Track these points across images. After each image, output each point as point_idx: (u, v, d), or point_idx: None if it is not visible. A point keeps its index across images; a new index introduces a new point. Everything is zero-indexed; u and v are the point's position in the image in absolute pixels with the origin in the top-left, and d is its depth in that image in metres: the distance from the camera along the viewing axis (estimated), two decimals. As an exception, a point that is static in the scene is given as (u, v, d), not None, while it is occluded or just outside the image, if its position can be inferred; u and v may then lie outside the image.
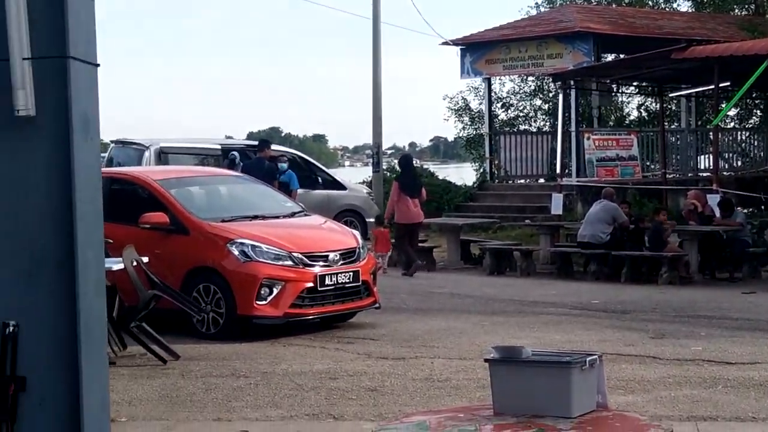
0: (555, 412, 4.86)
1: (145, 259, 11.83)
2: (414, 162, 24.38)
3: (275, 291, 12.50)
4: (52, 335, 3.80)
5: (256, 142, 23.64)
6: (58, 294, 3.81)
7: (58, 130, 3.84)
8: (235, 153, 22.35)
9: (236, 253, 12.64)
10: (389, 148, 37.47)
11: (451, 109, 35.29)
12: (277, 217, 14.02)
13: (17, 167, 3.84)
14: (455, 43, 29.74)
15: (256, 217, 13.74)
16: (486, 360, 5.12)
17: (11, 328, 3.77)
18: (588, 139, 25.25)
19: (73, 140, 3.83)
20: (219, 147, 24.00)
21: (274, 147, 24.28)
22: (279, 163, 20.66)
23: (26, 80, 3.79)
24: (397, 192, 19.45)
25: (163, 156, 22.62)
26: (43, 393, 3.78)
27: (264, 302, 12.47)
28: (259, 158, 20.54)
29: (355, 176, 35.02)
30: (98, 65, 4.08)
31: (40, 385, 3.78)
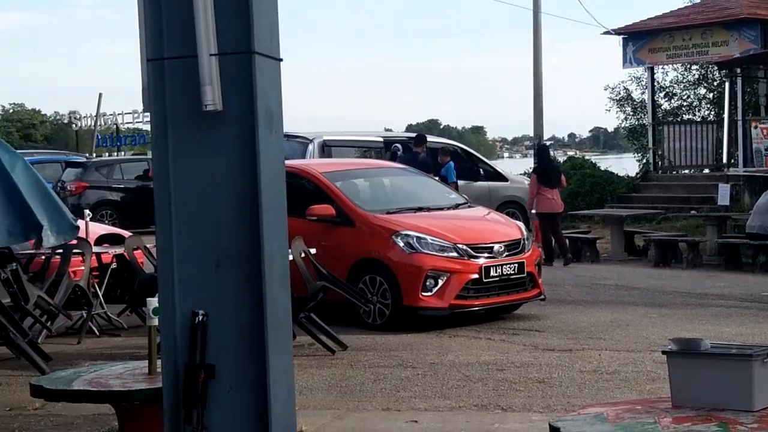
0: (736, 405, 4.79)
1: (313, 251, 12.00)
2: (551, 152, 24.27)
3: (440, 282, 12.55)
4: (240, 325, 3.89)
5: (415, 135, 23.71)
6: (244, 285, 3.90)
7: (244, 124, 3.93)
8: (398, 145, 22.46)
9: (401, 244, 12.72)
10: (548, 139, 37.16)
11: (613, 99, 34.81)
12: (442, 209, 14.07)
13: (205, 161, 3.95)
14: (617, 32, 29.31)
15: (420, 209, 13.81)
16: (664, 352, 5.06)
17: (200, 318, 3.88)
18: (755, 128, 24.63)
19: (259, 134, 3.92)
20: (381, 139, 24.17)
21: (434, 139, 24.36)
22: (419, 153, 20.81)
23: (213, 76, 3.89)
24: (536, 183, 19.52)
25: (326, 149, 22.88)
26: (231, 381, 3.88)
27: (429, 294, 12.53)
28: (414, 152, 20.69)
29: (514, 168, 34.87)
30: (281, 60, 4.17)
31: (228, 372, 3.88)
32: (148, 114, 3.99)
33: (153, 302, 5.93)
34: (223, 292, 3.91)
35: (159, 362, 5.92)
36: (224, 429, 3.84)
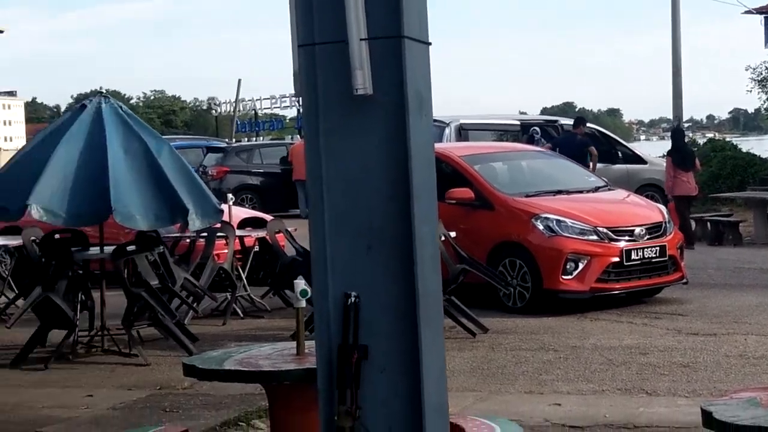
0: None
1: (453, 234, 12.04)
2: (686, 135, 23.89)
3: (581, 266, 12.48)
4: (391, 306, 3.94)
5: (553, 118, 23.61)
6: (396, 267, 3.94)
7: (394, 109, 3.97)
8: (537, 129, 22.35)
9: (541, 227, 12.68)
10: (686, 121, 36.44)
11: (754, 80, 34.11)
12: (581, 192, 13.98)
13: (355, 145, 4.00)
14: (759, 11, 28.68)
15: (559, 192, 13.75)
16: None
17: (353, 299, 3.94)
18: None
19: (409, 118, 3.95)
20: (518, 123, 24.07)
21: (565, 122, 24.17)
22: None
23: (364, 60, 3.93)
24: (671, 166, 19.28)
25: (462, 132, 22.89)
26: (383, 361, 3.93)
27: (569, 277, 12.47)
28: (572, 133, 20.61)
29: (651, 150, 34.38)
30: (430, 44, 4.19)
31: (380, 354, 3.93)
32: (298, 99, 4.02)
33: (300, 284, 6.02)
34: (374, 275, 3.96)
35: (307, 343, 6.02)
36: (377, 409, 3.89)
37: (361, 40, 3.95)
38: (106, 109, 11.32)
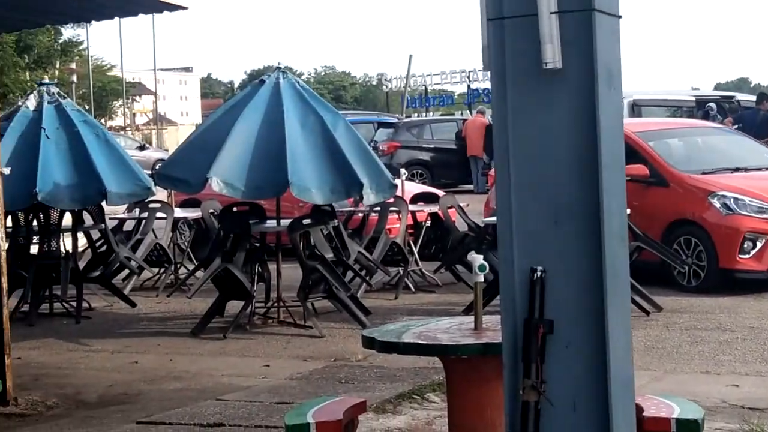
0: None
1: (627, 211, 11.88)
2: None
3: (758, 245, 12.21)
4: (578, 281, 3.92)
5: (729, 94, 23.08)
6: (583, 241, 3.92)
7: (583, 83, 3.93)
8: (712, 105, 21.89)
9: (718, 205, 12.44)
10: None
11: None
12: (760, 170, 13.66)
13: (543, 119, 3.98)
14: None
15: (737, 170, 13.46)
16: None
17: (539, 273, 3.92)
18: None
19: (598, 92, 3.91)
20: (693, 99, 23.63)
21: (742, 97, 23.60)
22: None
23: (554, 34, 3.91)
24: None
25: (636, 108, 22.57)
26: (569, 336, 3.91)
27: (747, 256, 12.22)
28: (755, 109, 20.15)
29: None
30: (620, 17, 4.14)
31: (566, 328, 3.91)
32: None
33: (478, 259, 6.02)
34: (561, 248, 3.94)
35: (484, 318, 6.03)
36: (562, 383, 3.88)
37: (551, 13, 3.92)
38: (284, 83, 11.52)
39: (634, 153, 13.41)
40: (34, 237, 12.36)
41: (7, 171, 8.47)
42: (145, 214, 14.16)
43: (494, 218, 12.81)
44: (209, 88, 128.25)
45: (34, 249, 12.29)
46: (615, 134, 4.06)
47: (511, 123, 4.04)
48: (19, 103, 12.86)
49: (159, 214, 14.20)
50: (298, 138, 11.13)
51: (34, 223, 12.21)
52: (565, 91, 3.99)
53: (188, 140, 12.39)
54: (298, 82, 11.84)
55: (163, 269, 14.29)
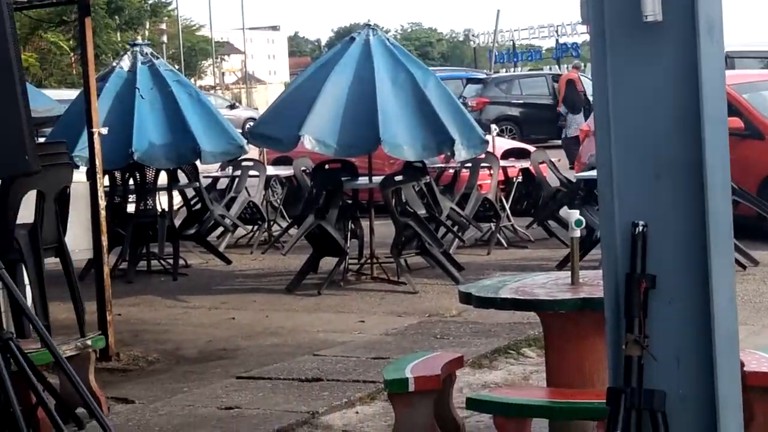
0: None
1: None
2: None
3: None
4: (680, 236, 3.89)
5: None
6: (685, 196, 3.89)
7: (684, 35, 3.89)
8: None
9: (815, 157, 12.26)
10: None
11: None
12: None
13: (643, 72, 3.95)
14: None
15: (834, 120, 13.23)
16: None
17: (640, 228, 3.91)
18: None
19: (700, 44, 3.87)
20: (788, 50, 23.21)
21: None
22: None
23: (654, -14, 3.87)
24: None
25: (728, 60, 22.20)
26: (671, 291, 3.89)
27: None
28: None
29: None
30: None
31: (668, 284, 3.89)
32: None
33: (574, 214, 6.02)
34: (662, 203, 3.92)
35: (580, 273, 6.02)
36: (665, 338, 3.87)
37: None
38: (374, 41, 11.53)
39: (728, 105, 13.22)
40: (130, 196, 12.55)
41: (104, 131, 8.60)
42: (238, 173, 14.30)
43: (587, 173, 12.77)
44: (296, 46, 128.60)
45: (130, 208, 12.48)
46: (717, 87, 4.02)
47: (611, 78, 4.02)
48: (114, 64, 13.03)
49: (252, 172, 14.33)
50: (389, 95, 11.15)
51: (131, 182, 12.39)
52: (666, 43, 3.95)
53: (280, 98, 12.47)
54: (388, 39, 11.85)
55: (256, 227, 14.43)
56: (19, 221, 6.91)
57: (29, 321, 4.63)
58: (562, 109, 24.20)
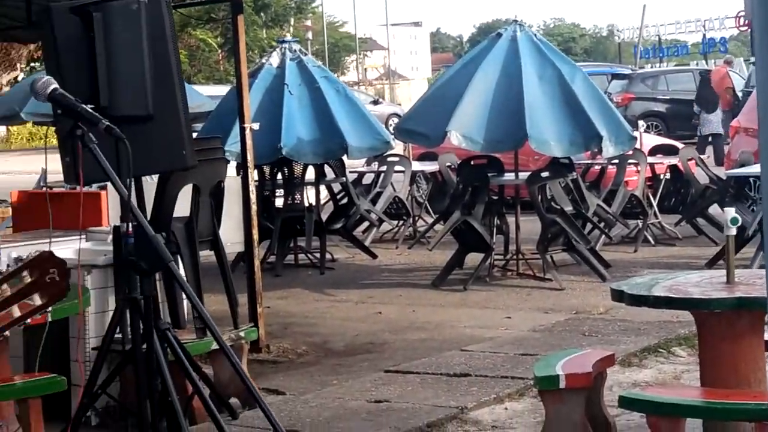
0: None
1: None
2: None
3: None
4: None
5: None
6: None
7: None
8: None
9: None
10: None
11: None
12: None
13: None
14: None
15: None
16: None
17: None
18: None
19: None
20: None
21: None
22: None
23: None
24: None
25: None
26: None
27: None
28: None
29: None
30: None
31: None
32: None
33: (730, 212, 5.92)
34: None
35: (735, 272, 5.91)
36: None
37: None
38: (521, 36, 11.49)
39: None
40: (278, 190, 12.73)
41: (256, 126, 8.74)
42: (384, 168, 14.40)
43: (737, 170, 12.54)
44: (438, 42, 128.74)
45: (278, 202, 12.66)
46: None
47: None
48: (263, 61, 13.22)
49: (397, 168, 14.42)
50: (536, 91, 11.10)
51: (279, 176, 12.57)
52: None
53: (427, 95, 12.52)
54: (535, 35, 11.80)
55: (401, 222, 14.51)
56: (175, 215, 7.07)
57: (198, 312, 4.74)
58: (695, 107, 23.76)
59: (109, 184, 7.97)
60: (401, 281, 11.61)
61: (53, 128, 8.06)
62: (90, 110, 4.28)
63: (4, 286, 2.02)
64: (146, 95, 5.59)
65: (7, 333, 1.94)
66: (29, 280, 2.03)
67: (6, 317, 2.04)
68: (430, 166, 15.10)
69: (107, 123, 4.25)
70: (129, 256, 4.54)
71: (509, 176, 11.68)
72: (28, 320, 2.06)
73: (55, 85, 4.30)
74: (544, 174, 11.28)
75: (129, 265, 4.60)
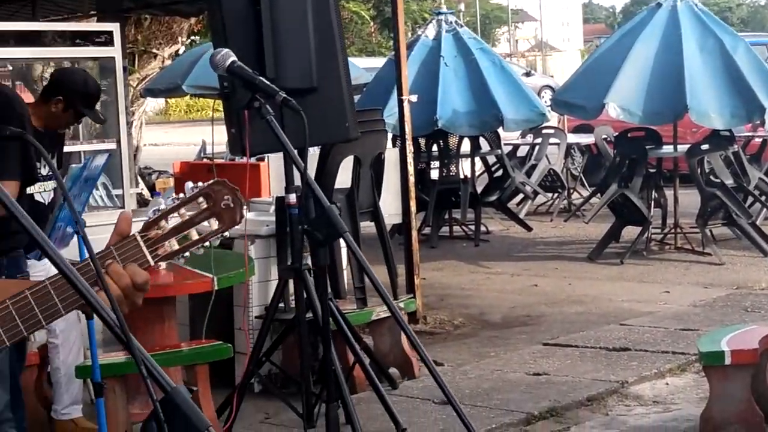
0: None
1: None
2: None
3: None
4: None
5: None
6: None
7: None
8: None
9: None
10: None
11: None
12: None
13: None
14: None
15: None
16: None
17: None
18: None
19: None
20: None
21: None
22: None
23: None
24: None
25: None
26: None
27: None
28: None
29: None
30: None
31: None
32: None
33: None
34: None
35: None
36: None
37: None
38: (682, 6, 11.30)
39: None
40: (433, 162, 12.75)
41: (414, 98, 8.76)
42: (539, 140, 14.31)
43: None
44: (590, 13, 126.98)
45: (433, 174, 12.69)
46: None
47: None
48: (419, 33, 13.24)
49: (552, 140, 14.31)
50: (696, 62, 10.90)
51: (434, 148, 12.59)
52: None
53: (584, 66, 12.40)
54: (696, 5, 11.57)
55: (556, 194, 14.42)
56: (336, 186, 7.14)
57: (372, 282, 4.79)
58: None
59: (268, 155, 8.16)
60: (556, 254, 11.54)
61: (217, 101, 8.22)
62: (268, 82, 4.34)
63: (183, 210, 2.13)
64: (311, 67, 5.66)
65: (186, 256, 2.04)
66: (205, 206, 2.14)
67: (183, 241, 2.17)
68: (585, 139, 14.97)
69: (284, 95, 4.31)
70: (303, 227, 4.60)
71: (668, 149, 11.50)
72: (206, 243, 2.17)
73: (233, 57, 4.38)
74: (704, 147, 11.07)
75: (304, 235, 4.66)
